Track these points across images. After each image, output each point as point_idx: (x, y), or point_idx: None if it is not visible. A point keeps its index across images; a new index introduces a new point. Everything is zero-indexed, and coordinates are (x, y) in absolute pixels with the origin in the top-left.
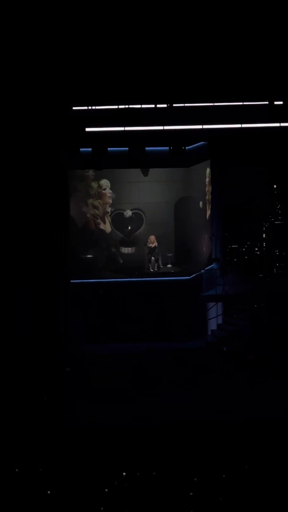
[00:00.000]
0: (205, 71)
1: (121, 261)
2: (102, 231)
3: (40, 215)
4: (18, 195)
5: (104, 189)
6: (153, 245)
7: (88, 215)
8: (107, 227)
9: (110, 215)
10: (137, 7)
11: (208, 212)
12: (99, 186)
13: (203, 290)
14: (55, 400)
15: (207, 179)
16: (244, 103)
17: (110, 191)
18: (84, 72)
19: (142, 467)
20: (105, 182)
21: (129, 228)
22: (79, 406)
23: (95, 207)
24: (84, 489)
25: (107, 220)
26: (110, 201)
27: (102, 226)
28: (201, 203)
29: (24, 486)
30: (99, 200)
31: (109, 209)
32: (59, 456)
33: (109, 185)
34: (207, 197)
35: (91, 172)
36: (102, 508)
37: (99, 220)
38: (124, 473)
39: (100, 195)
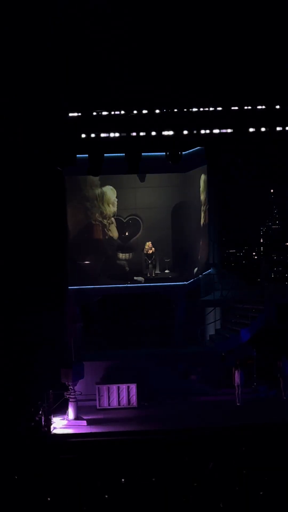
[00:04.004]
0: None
1: (128, 269)
2: (111, 238)
3: (37, 222)
4: (17, 201)
5: (116, 197)
6: (150, 251)
7: (94, 222)
8: (114, 233)
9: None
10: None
11: (204, 218)
12: (113, 193)
13: (201, 295)
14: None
15: (201, 186)
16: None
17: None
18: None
19: (143, 473)
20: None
21: (127, 234)
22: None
23: (104, 215)
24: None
25: (114, 225)
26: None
27: (110, 233)
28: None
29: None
30: (114, 209)
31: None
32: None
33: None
34: (202, 204)
35: (96, 179)
36: None
37: (108, 227)
38: (123, 480)
39: (114, 203)
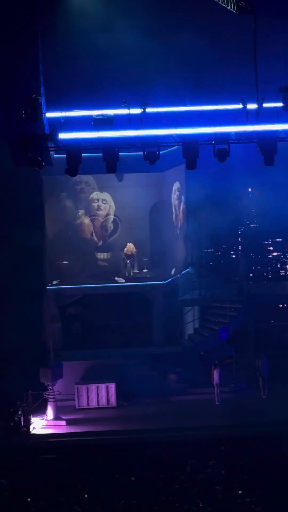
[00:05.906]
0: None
1: (107, 268)
2: (91, 238)
3: (15, 222)
4: None
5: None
6: (130, 253)
7: (84, 225)
8: (97, 235)
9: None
10: None
11: (181, 218)
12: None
13: (180, 294)
14: None
15: (174, 194)
16: (218, 107)
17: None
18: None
19: (122, 473)
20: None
21: (105, 233)
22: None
23: (94, 218)
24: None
25: (97, 227)
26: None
27: (94, 236)
28: None
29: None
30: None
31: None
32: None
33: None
34: (178, 205)
35: (93, 183)
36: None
37: (97, 229)
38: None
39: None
